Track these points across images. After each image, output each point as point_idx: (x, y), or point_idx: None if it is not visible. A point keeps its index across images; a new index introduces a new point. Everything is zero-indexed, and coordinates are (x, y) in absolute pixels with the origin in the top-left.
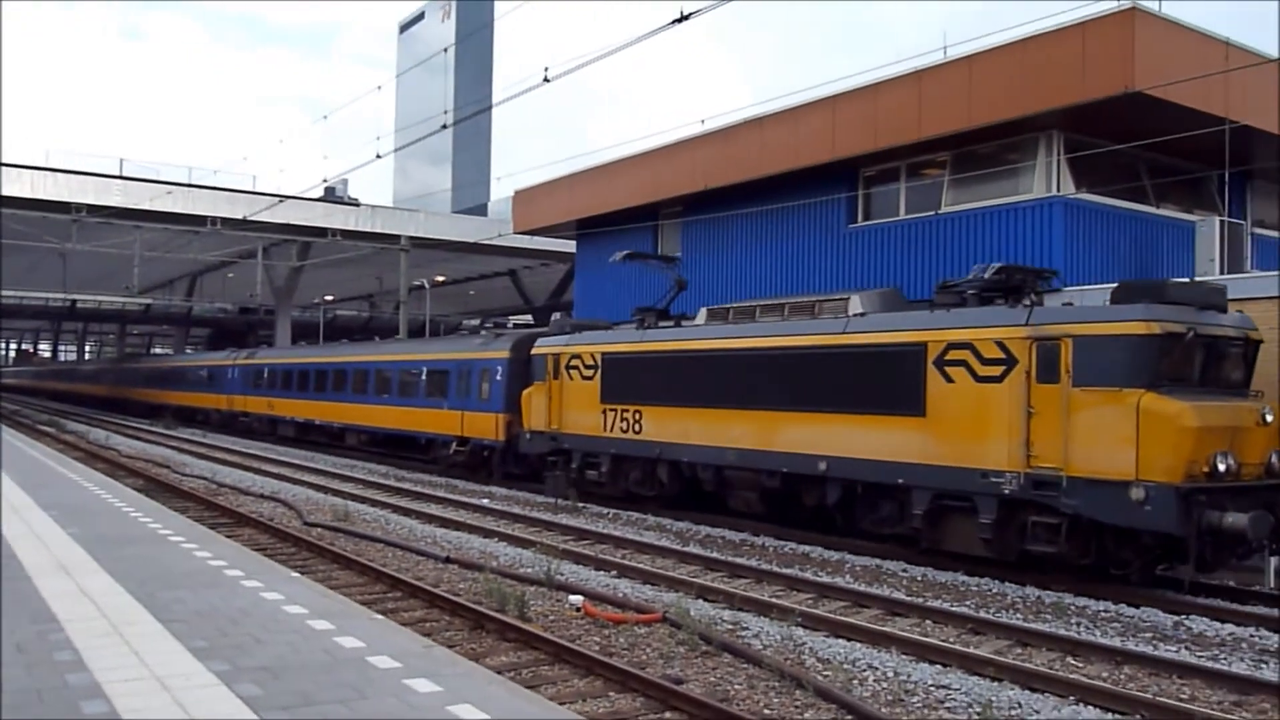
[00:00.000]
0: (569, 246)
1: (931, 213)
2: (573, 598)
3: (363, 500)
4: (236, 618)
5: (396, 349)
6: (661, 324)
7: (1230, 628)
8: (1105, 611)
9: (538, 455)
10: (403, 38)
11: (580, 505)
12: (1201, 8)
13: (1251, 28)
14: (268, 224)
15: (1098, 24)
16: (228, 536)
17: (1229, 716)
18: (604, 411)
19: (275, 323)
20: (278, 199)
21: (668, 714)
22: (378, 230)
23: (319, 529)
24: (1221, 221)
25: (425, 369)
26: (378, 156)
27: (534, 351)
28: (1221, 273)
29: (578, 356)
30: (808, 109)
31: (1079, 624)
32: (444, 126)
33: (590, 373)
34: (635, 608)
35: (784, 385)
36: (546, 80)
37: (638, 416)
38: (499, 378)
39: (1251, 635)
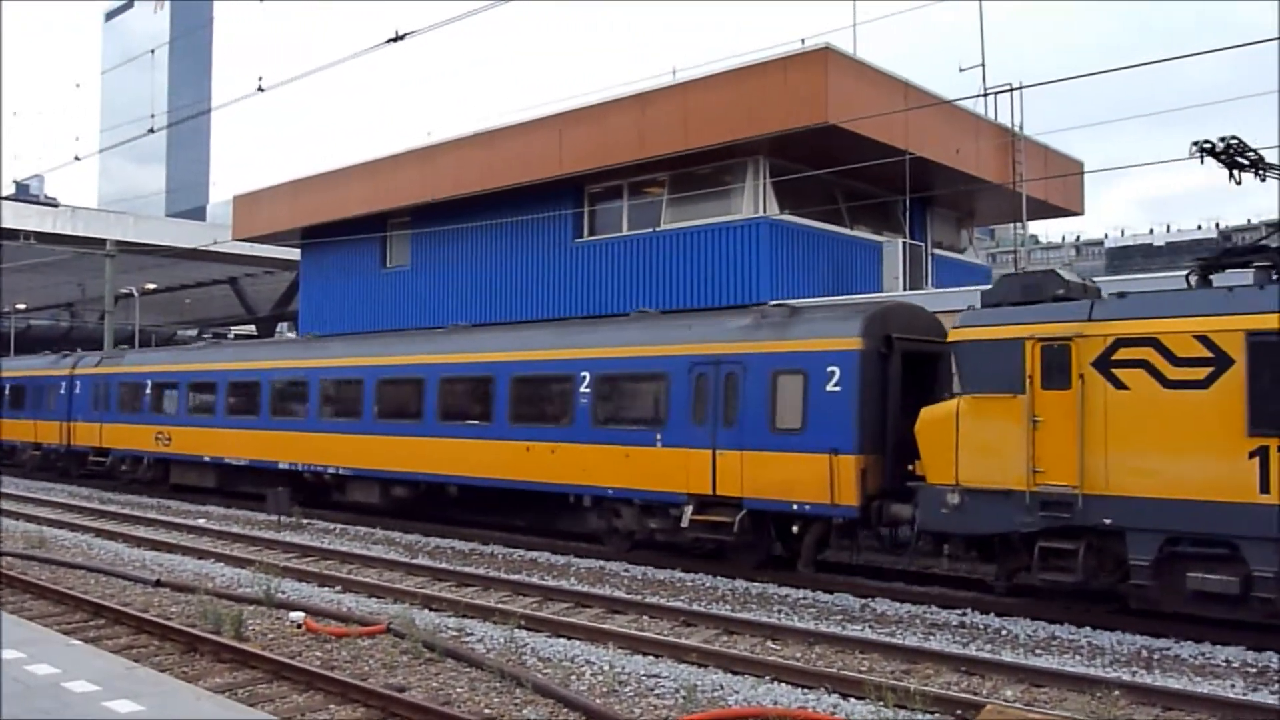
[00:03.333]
0: (295, 254)
1: (651, 229)
2: (293, 614)
3: (61, 525)
4: None
5: (503, 341)
6: None
7: (909, 607)
8: (804, 599)
9: (971, 536)
10: (108, 27)
11: (305, 522)
12: (888, 53)
13: (928, 71)
14: None
15: (797, 60)
16: None
17: (898, 682)
18: (1258, 452)
19: None
20: None
21: None
22: (80, 233)
23: (9, 558)
24: (904, 243)
25: (591, 374)
26: (76, 159)
27: (964, 336)
28: (905, 289)
29: (1148, 342)
30: (537, 125)
31: (780, 611)
32: (150, 131)
33: (1199, 374)
34: (359, 621)
35: None
36: (261, 90)
37: None
38: (835, 386)
39: (925, 612)
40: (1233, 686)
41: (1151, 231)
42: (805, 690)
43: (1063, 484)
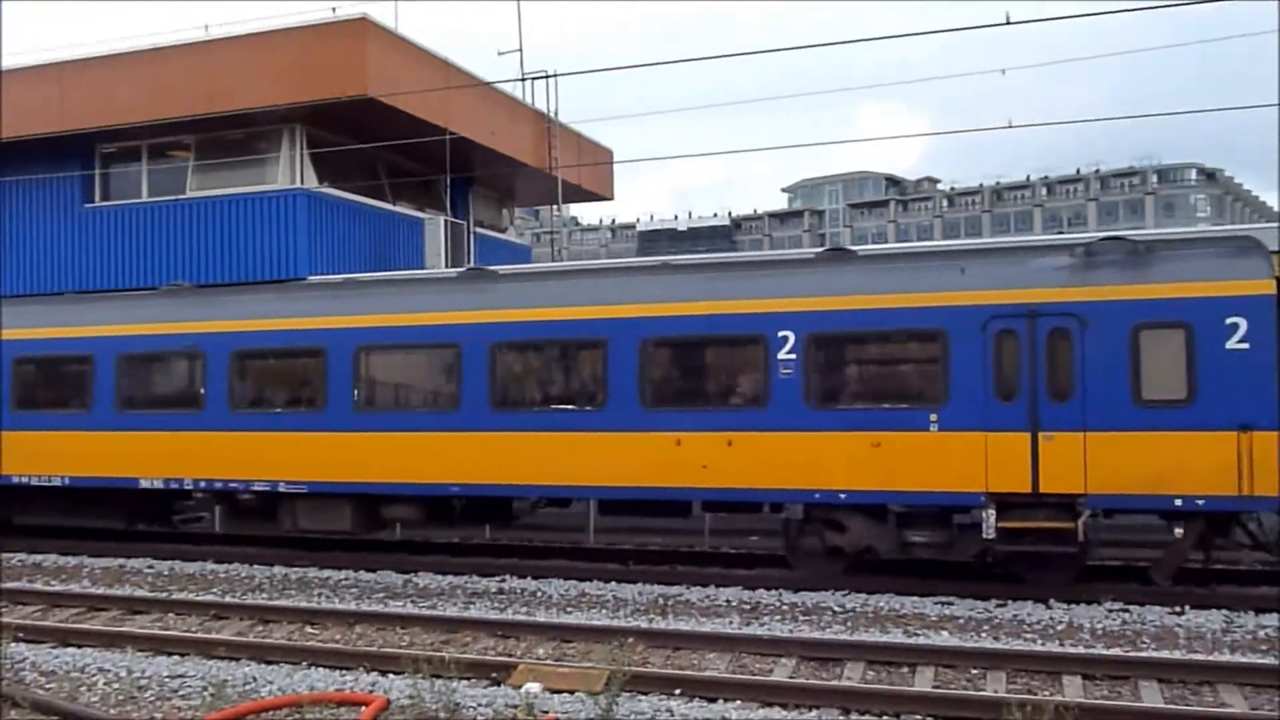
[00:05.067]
0: None
1: (176, 197)
2: None
3: None
4: None
5: (622, 290)
6: None
7: (450, 578)
8: (345, 579)
9: None
10: None
11: None
12: (428, 32)
13: (468, 53)
14: None
15: (334, 29)
16: None
17: (435, 653)
18: None
19: None
20: None
21: None
22: None
23: None
24: (446, 220)
25: (797, 334)
26: None
27: None
28: (446, 265)
29: None
30: (31, 73)
31: (320, 594)
32: None
33: None
34: None
35: None
36: None
37: None
38: (1240, 343)
39: (465, 582)
40: (730, 623)
41: (676, 218)
42: (343, 671)
43: None
